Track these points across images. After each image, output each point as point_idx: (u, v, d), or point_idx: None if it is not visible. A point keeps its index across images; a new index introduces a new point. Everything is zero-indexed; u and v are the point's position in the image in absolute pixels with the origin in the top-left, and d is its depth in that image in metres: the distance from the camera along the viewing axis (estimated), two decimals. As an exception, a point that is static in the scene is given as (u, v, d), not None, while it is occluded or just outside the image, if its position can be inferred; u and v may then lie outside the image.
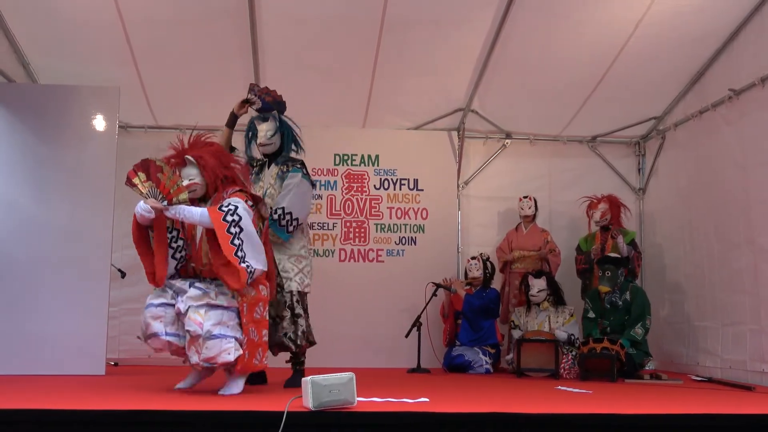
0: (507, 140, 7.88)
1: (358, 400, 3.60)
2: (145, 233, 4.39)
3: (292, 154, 5.31)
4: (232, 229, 4.13)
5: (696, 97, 6.86)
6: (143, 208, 4.26)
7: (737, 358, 6.05)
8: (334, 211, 7.62)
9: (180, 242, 4.41)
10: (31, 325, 5.69)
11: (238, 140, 5.35)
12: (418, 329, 6.93)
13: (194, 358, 4.17)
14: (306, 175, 5.19)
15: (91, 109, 6.06)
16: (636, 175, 8.03)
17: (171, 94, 6.96)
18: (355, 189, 7.66)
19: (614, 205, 7.21)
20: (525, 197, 7.47)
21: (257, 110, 5.26)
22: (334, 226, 7.58)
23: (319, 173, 7.60)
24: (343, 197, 7.65)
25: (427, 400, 4.01)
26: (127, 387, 4.71)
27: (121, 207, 5.94)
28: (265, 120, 5.22)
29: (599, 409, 3.87)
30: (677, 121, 7.20)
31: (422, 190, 7.75)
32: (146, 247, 4.39)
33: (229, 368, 4.30)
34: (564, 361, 6.36)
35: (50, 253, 5.77)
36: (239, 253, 4.11)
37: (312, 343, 5.17)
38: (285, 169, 5.18)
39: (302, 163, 5.24)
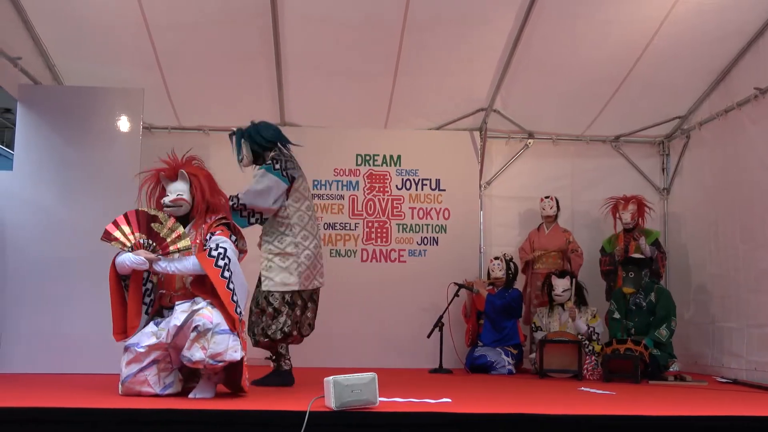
0: (529, 140, 7.85)
1: (380, 400, 3.61)
2: (120, 284, 4.29)
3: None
4: (226, 273, 4.11)
5: (721, 96, 6.79)
6: (134, 261, 4.16)
7: (763, 359, 5.98)
8: (356, 212, 7.63)
9: (149, 285, 4.34)
10: (57, 325, 5.77)
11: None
12: (440, 329, 6.92)
13: (198, 355, 3.94)
14: (277, 171, 5.05)
15: (116, 111, 6.14)
16: (660, 175, 7.96)
17: (194, 96, 7.01)
18: (377, 189, 7.65)
19: (641, 206, 7.15)
20: (546, 197, 7.44)
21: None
22: (356, 227, 7.59)
23: (341, 173, 7.62)
24: (365, 197, 7.65)
25: (449, 400, 4.02)
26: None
27: (145, 207, 5.94)
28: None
29: (623, 411, 3.85)
30: (702, 120, 7.13)
31: (444, 190, 7.73)
32: (120, 297, 4.28)
33: (210, 374, 4.12)
34: (587, 362, 6.32)
35: (75, 253, 5.82)
36: (234, 298, 4.10)
37: (273, 339, 5.06)
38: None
39: (277, 159, 5.08)
